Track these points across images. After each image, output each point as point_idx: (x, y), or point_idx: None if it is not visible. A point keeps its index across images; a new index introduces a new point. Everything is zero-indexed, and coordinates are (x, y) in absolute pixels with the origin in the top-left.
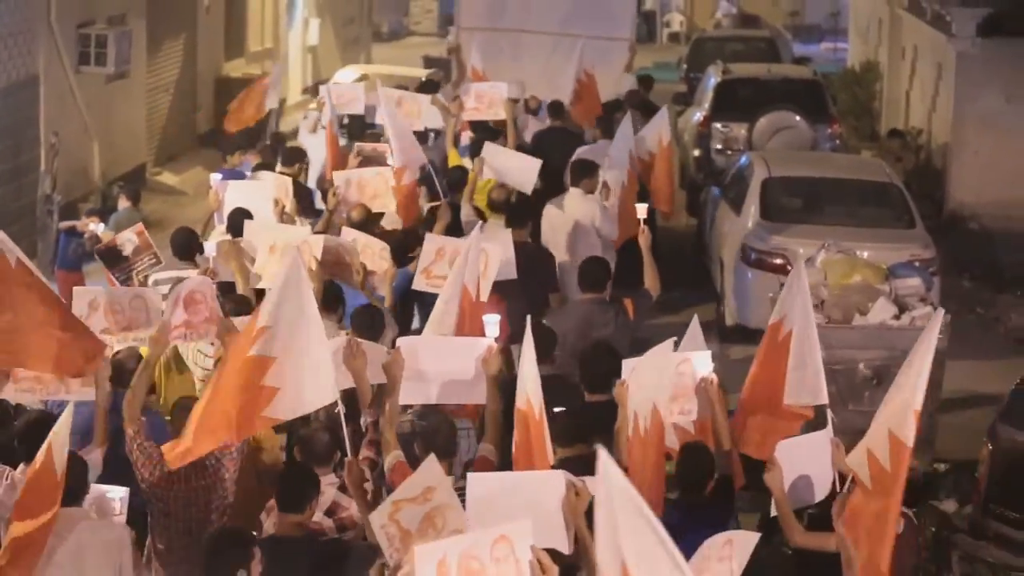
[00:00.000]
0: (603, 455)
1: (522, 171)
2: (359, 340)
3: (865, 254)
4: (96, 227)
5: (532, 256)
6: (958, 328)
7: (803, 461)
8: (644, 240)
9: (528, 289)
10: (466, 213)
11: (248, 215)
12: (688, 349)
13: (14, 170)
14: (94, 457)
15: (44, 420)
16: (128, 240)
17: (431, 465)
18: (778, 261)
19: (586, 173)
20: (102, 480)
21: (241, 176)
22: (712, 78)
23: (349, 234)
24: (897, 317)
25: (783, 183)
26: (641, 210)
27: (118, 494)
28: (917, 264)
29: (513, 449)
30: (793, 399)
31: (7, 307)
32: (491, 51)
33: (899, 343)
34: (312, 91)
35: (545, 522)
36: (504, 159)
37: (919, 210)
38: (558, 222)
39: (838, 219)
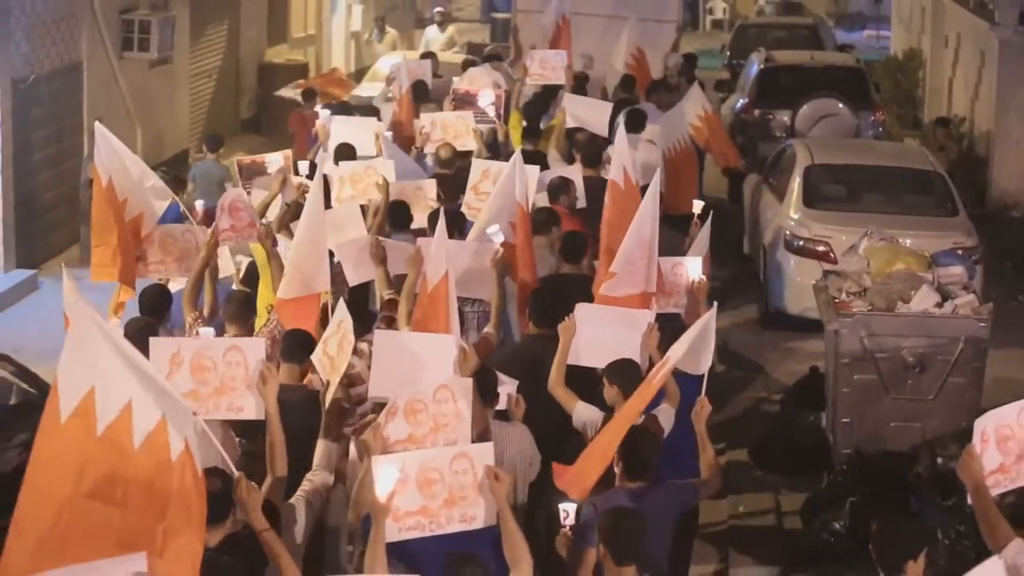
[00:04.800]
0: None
1: (597, 116)
2: (382, 239)
3: (908, 242)
4: None
5: (596, 189)
6: (1001, 316)
7: (611, 329)
8: (695, 231)
9: (591, 215)
10: (552, 157)
11: (352, 149)
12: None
13: (57, 156)
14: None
15: (161, 291)
16: (274, 160)
17: (340, 306)
18: (820, 248)
19: (642, 122)
20: None
21: None
22: (755, 65)
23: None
24: (940, 305)
25: (826, 170)
26: (697, 206)
27: (210, 332)
28: (960, 252)
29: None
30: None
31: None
32: (548, 32)
33: (942, 331)
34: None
35: (438, 380)
36: (582, 107)
37: (962, 198)
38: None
39: (881, 207)
